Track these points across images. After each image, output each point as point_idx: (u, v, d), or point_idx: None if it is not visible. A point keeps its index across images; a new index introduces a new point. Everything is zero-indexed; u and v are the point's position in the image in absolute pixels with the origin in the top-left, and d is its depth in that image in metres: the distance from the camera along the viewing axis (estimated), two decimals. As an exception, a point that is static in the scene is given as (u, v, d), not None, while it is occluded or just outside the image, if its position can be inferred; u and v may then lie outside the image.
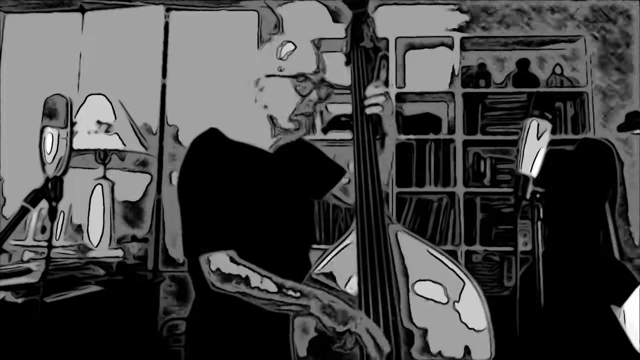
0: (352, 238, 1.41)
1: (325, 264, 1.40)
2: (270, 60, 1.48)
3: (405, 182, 3.22)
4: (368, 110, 1.47)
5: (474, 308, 1.31)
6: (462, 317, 1.31)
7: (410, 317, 1.33)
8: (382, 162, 1.56)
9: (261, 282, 1.35)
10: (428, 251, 1.37)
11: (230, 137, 1.51)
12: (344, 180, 1.74)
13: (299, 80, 1.47)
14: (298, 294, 1.34)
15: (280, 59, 1.47)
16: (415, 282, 1.35)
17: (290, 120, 1.49)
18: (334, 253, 1.41)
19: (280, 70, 1.47)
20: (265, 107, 1.50)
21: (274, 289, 1.35)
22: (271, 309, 1.36)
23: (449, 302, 1.32)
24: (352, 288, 1.37)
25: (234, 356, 1.46)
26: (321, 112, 3.34)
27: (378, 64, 3.21)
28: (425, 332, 1.32)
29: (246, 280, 1.36)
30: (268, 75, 1.48)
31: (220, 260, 1.38)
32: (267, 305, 1.36)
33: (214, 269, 1.38)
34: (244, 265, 1.37)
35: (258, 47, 1.53)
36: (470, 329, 1.30)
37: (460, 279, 1.33)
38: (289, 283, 1.36)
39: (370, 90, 1.47)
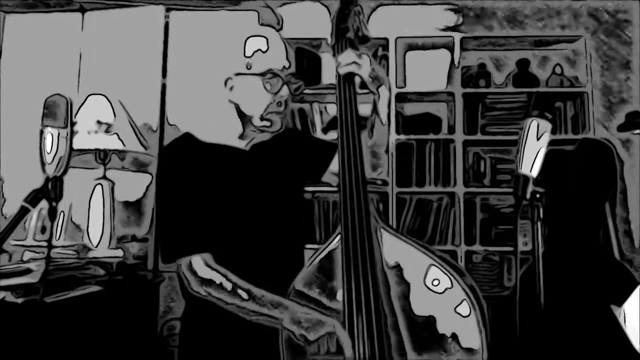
0: (337, 241, 1.38)
1: (311, 270, 1.38)
2: (238, 57, 1.45)
3: (405, 182, 3.22)
4: (341, 70, 1.45)
5: (466, 322, 1.28)
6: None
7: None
8: (377, 136, 1.57)
9: (233, 289, 1.34)
10: (415, 253, 1.35)
11: (204, 140, 1.49)
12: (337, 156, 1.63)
13: (268, 78, 1.44)
14: (270, 305, 1.33)
15: (248, 56, 1.45)
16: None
17: (262, 119, 1.46)
18: (319, 258, 1.39)
19: (248, 68, 1.44)
20: (237, 105, 1.48)
21: (245, 297, 1.33)
22: (245, 317, 1.35)
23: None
24: (338, 300, 1.34)
25: (225, 356, 1.45)
26: (321, 112, 3.34)
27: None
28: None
29: (219, 287, 1.35)
30: (237, 74, 1.46)
31: (195, 264, 1.37)
32: (239, 313, 1.35)
33: (190, 272, 1.37)
34: (218, 271, 1.36)
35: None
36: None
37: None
38: (261, 293, 1.34)
39: (341, 58, 1.46)
